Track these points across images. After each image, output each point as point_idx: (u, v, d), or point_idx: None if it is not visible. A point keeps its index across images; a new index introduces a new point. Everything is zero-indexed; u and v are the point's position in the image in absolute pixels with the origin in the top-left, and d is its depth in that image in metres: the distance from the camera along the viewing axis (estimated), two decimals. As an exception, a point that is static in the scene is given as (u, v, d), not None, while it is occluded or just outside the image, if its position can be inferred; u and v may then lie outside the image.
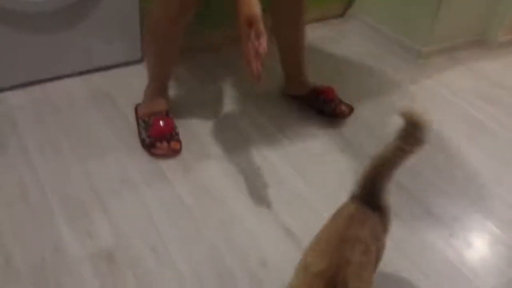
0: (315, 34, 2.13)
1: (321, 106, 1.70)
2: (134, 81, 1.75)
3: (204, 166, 1.50)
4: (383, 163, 0.87)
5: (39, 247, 1.22)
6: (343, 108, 1.69)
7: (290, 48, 1.68)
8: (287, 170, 1.51)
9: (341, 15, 2.36)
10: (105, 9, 1.71)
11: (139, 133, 1.56)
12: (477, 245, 1.37)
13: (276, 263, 1.24)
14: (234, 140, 1.60)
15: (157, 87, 1.59)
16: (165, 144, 1.50)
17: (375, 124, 1.72)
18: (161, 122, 1.53)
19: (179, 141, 1.53)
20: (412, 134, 0.83)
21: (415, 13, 2.04)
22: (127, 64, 1.87)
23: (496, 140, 1.73)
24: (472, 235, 1.39)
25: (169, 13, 1.40)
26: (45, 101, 1.68)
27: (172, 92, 1.69)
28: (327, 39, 2.18)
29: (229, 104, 1.76)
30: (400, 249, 1.31)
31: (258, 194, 1.42)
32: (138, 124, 1.59)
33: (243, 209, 1.37)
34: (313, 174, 1.51)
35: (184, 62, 1.90)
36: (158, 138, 1.50)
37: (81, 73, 1.80)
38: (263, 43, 1.15)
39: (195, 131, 1.62)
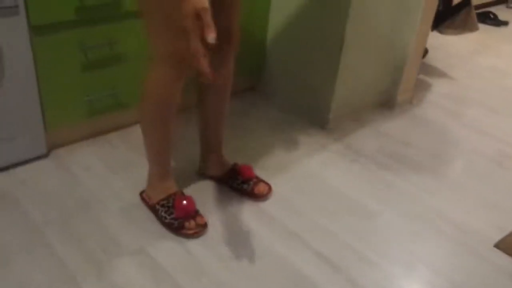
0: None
1: (240, 186, 1.69)
2: (40, 179, 1.65)
3: (120, 264, 1.41)
4: None
5: None
6: (262, 188, 1.69)
7: (214, 131, 1.68)
8: (210, 259, 1.46)
9: (251, 88, 2.42)
10: (2, 104, 1.62)
11: (161, 218, 1.54)
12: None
13: None
14: (153, 229, 1.54)
15: (162, 170, 1.56)
16: (192, 223, 1.51)
17: (292, 198, 1.73)
18: (184, 202, 1.53)
19: (202, 215, 1.55)
20: None
21: (318, 83, 2.13)
22: (31, 160, 1.77)
23: (403, 197, 1.80)
24: None
25: (168, 74, 1.34)
26: None
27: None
28: (237, 111, 2.22)
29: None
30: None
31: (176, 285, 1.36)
32: (155, 210, 1.56)
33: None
34: (237, 259, 1.47)
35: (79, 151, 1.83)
36: (186, 218, 1.51)
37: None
38: (212, 34, 1.09)
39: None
